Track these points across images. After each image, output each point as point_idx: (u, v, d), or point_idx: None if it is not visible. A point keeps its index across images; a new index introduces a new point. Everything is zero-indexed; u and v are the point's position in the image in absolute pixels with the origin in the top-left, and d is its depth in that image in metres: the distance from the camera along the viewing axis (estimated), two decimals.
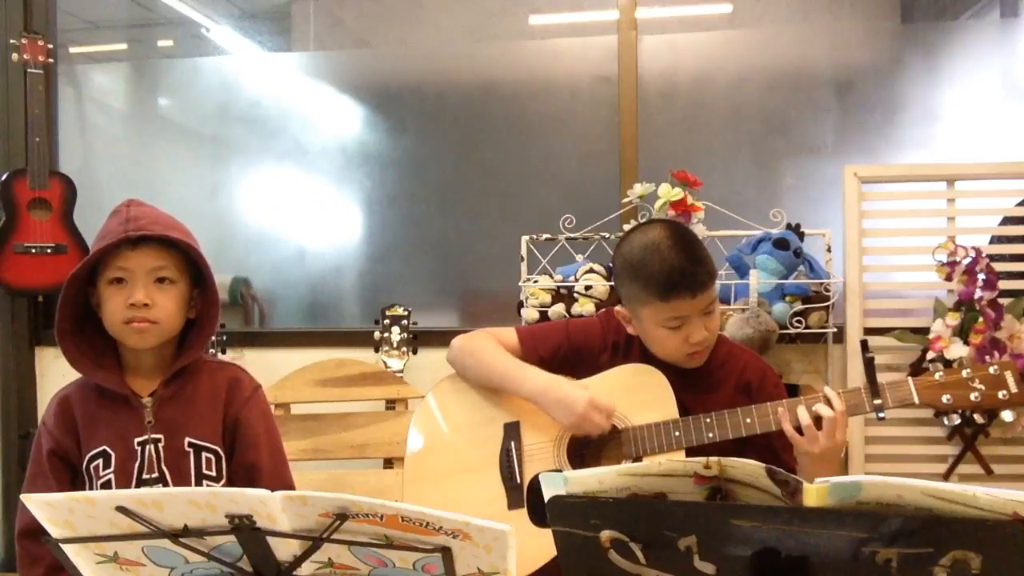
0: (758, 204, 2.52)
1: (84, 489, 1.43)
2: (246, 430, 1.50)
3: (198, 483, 1.46)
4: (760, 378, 1.70)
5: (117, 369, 1.47)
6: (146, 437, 1.44)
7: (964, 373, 1.54)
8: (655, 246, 1.58)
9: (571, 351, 1.74)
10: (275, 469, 1.52)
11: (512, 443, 1.69)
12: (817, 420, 1.53)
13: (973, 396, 1.53)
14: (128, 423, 1.45)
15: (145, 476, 1.44)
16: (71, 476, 1.46)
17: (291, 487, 1.53)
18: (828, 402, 1.54)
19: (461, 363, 1.77)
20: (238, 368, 1.58)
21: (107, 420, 1.45)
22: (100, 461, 1.44)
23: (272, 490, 1.46)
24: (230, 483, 1.48)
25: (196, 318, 1.51)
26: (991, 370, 1.53)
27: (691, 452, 1.59)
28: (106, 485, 1.43)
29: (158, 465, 1.44)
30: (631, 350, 1.72)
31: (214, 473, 1.47)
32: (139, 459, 1.44)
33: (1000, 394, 1.52)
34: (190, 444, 1.46)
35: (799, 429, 1.53)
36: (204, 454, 1.47)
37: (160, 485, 1.43)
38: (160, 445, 1.45)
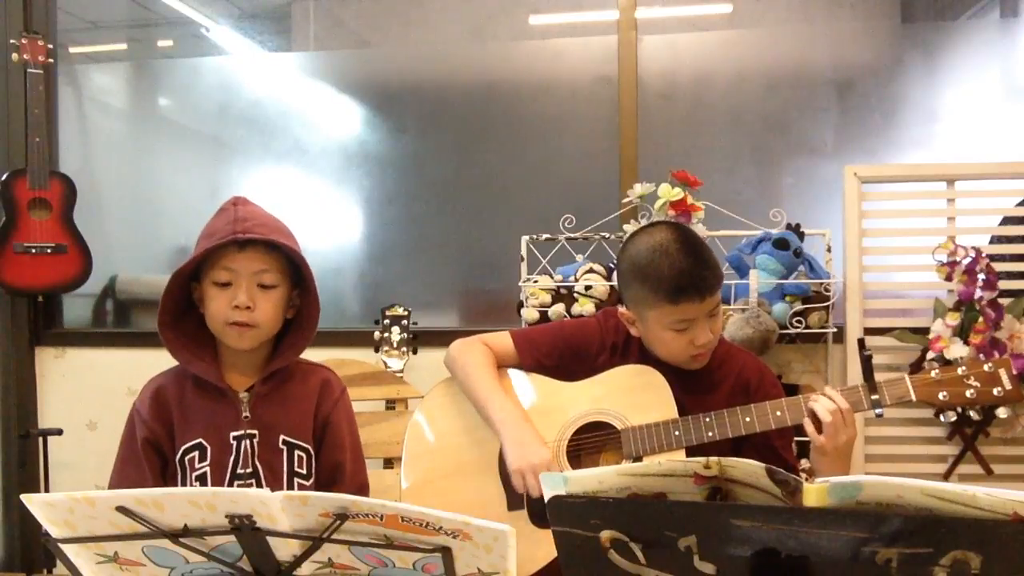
0: (758, 204, 2.53)
1: (177, 480, 1.46)
2: (334, 431, 1.54)
3: (290, 480, 1.48)
4: (758, 378, 1.70)
5: (216, 363, 1.49)
6: (242, 432, 1.46)
7: (960, 371, 1.55)
8: (663, 249, 1.57)
9: (568, 353, 1.73)
10: (356, 470, 1.57)
11: None
12: (813, 417, 1.54)
13: (968, 393, 1.54)
14: (224, 417, 1.46)
15: (239, 471, 1.45)
16: (162, 466, 1.48)
17: (367, 486, 1.59)
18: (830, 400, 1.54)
19: (453, 373, 1.78)
20: (328, 370, 1.61)
21: (203, 412, 1.47)
22: (196, 454, 1.45)
23: (353, 488, 1.52)
24: (316, 481, 1.51)
25: (294, 318, 1.53)
26: (986, 367, 1.54)
27: (691, 452, 1.59)
28: (201, 478, 1.44)
29: (252, 460, 1.46)
30: (629, 351, 1.72)
31: (304, 471, 1.50)
32: (234, 453, 1.46)
33: (995, 391, 1.53)
34: (284, 442, 1.49)
35: (816, 427, 1.54)
36: (297, 452, 1.50)
37: (254, 481, 1.45)
38: (255, 441, 1.47)
